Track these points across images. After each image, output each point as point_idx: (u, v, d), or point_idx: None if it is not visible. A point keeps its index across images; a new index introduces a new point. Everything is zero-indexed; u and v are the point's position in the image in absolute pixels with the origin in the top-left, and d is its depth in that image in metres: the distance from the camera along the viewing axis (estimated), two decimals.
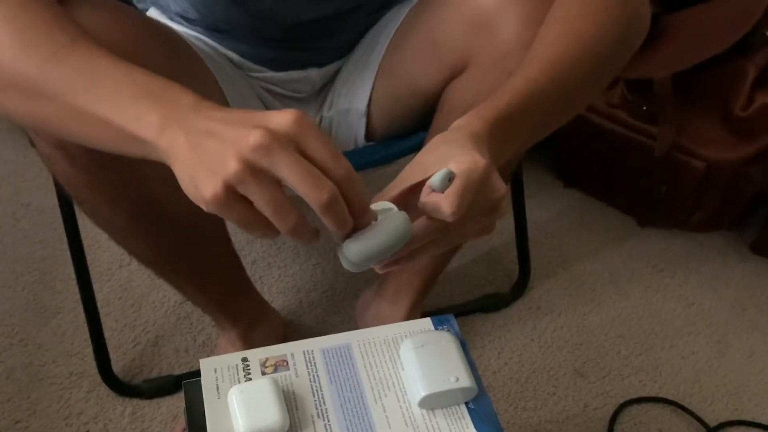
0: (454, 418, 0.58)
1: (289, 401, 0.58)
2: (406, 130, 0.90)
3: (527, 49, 0.70)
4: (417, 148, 0.87)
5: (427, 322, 0.65)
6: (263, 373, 0.60)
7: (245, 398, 0.56)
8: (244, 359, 0.61)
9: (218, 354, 0.98)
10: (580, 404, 1.03)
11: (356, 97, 0.89)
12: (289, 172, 0.46)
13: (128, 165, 0.64)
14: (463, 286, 1.19)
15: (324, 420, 0.57)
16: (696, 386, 1.07)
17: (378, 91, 0.87)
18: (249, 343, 0.94)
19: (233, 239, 0.89)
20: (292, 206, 0.47)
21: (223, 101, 0.82)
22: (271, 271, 1.19)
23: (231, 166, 0.46)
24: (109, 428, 0.95)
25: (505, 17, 0.72)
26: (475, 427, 0.58)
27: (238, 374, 0.60)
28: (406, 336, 0.63)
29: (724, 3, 1.26)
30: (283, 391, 0.58)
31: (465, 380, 0.58)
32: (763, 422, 1.03)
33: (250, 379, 0.59)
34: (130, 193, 0.72)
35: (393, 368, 0.61)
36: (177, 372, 1.02)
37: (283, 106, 0.90)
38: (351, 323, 1.10)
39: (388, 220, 0.52)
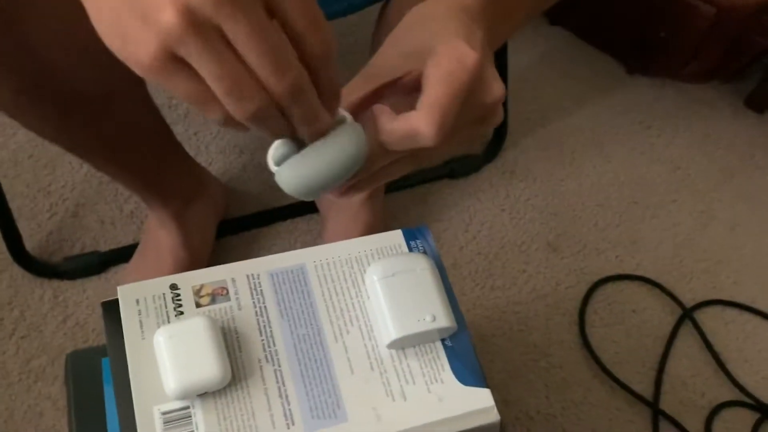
0: (428, 359, 0.51)
1: (231, 342, 0.49)
2: None
3: None
4: None
5: (398, 235, 0.56)
6: (198, 305, 0.51)
7: (175, 344, 0.47)
8: (173, 286, 0.51)
9: (147, 238, 0.89)
10: (552, 282, 0.99)
11: None
12: (244, 36, 0.34)
13: (11, 31, 0.50)
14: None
15: (273, 365, 0.49)
16: (675, 262, 1.04)
17: None
18: (184, 224, 0.84)
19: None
20: (255, 82, 0.35)
21: None
22: (208, 125, 1.05)
23: (166, 18, 0.33)
24: (26, 315, 0.87)
25: None
26: (452, 368, 0.51)
27: (166, 307, 0.50)
28: (373, 254, 0.54)
29: None
30: (223, 329, 0.49)
31: (443, 319, 0.50)
32: (740, 301, 1.01)
33: (182, 313, 0.50)
34: (14, 64, 0.57)
35: (357, 296, 0.53)
36: (103, 248, 0.93)
37: None
38: None
39: (338, 135, 0.41)
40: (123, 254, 0.91)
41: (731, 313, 1.01)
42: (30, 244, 0.90)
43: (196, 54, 0.34)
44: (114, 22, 0.35)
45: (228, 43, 0.34)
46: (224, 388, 0.47)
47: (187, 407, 0.47)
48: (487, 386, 0.51)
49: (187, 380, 0.46)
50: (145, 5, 0.33)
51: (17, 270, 0.89)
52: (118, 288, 0.51)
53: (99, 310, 0.88)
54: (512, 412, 0.89)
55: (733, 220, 1.10)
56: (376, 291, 0.51)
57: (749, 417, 0.92)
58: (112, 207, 0.97)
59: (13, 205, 0.88)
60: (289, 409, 0.48)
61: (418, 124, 0.39)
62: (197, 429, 0.46)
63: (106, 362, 0.56)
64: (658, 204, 1.10)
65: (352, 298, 0.53)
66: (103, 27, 0.35)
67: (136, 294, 0.51)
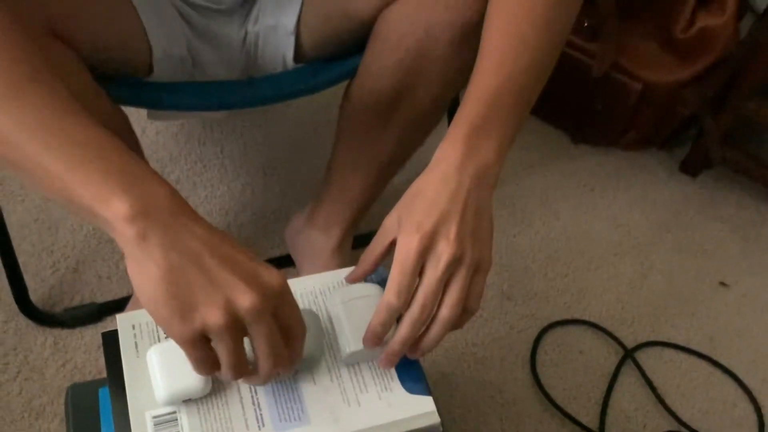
0: (380, 372, 0.58)
1: None
2: (339, 52, 0.85)
3: None
4: (348, 75, 0.84)
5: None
6: None
7: (164, 359, 0.54)
8: None
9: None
10: (506, 326, 1.07)
11: (284, 13, 0.83)
12: (263, 340, 0.48)
13: None
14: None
15: None
16: (618, 308, 1.12)
17: (308, 9, 0.82)
18: None
19: (157, 155, 0.84)
20: (245, 358, 0.50)
21: (134, 17, 0.76)
22: (197, 191, 1.15)
23: (216, 317, 0.46)
24: (29, 360, 0.93)
25: None
26: (400, 379, 0.58)
27: (157, 331, 0.58)
28: (333, 287, 0.62)
29: None
30: None
31: (391, 337, 0.58)
32: (677, 342, 1.09)
33: None
34: None
35: (320, 321, 0.60)
36: (100, 300, 1.00)
37: (202, 17, 0.83)
38: (282, 247, 1.08)
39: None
40: (118, 305, 0.98)
41: (669, 352, 1.08)
42: (34, 296, 0.97)
43: (222, 342, 0.47)
44: (155, 296, 0.45)
45: (244, 333, 0.47)
46: (206, 396, 0.54)
47: (174, 412, 0.54)
48: (430, 394, 0.58)
49: (174, 388, 0.53)
50: (194, 300, 0.45)
51: (22, 319, 0.96)
52: (117, 316, 0.59)
53: (95, 355, 0.95)
54: None
55: (670, 271, 1.19)
56: (339, 313, 0.59)
57: None
58: (108, 264, 1.04)
59: (20, 261, 0.95)
60: (261, 414, 0.55)
61: (386, 297, 0.54)
62: (182, 430, 0.53)
63: (103, 392, 0.63)
64: (601, 256, 1.19)
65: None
66: (144, 296, 0.46)
67: (132, 321, 0.58)
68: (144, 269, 0.46)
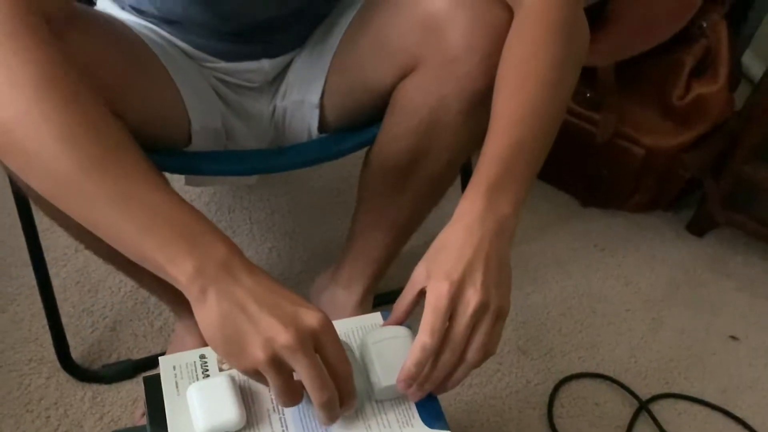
0: (402, 408, 0.62)
1: (246, 397, 0.61)
2: (360, 122, 0.92)
3: (475, 53, 0.73)
4: (368, 142, 0.90)
5: (377, 316, 0.69)
6: (221, 369, 0.63)
7: (203, 396, 0.59)
8: (202, 356, 0.64)
9: (175, 341, 1.01)
10: (523, 380, 1.09)
11: (309, 89, 0.90)
12: (305, 372, 0.54)
13: None
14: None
15: (279, 414, 0.60)
16: (631, 362, 1.14)
17: (331, 85, 0.89)
18: None
19: None
20: (297, 388, 0.56)
21: (176, 95, 0.83)
22: None
23: (258, 355, 0.53)
24: (69, 414, 0.97)
25: (454, 22, 0.74)
26: (420, 415, 0.62)
27: (196, 371, 0.62)
28: (359, 330, 0.67)
29: None
30: (240, 387, 0.61)
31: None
32: (690, 394, 1.10)
33: (208, 376, 0.62)
34: None
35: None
36: (135, 357, 1.04)
37: (236, 95, 0.91)
38: None
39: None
40: (153, 362, 1.03)
41: (683, 404, 1.10)
42: (75, 353, 1.02)
43: (268, 375, 0.54)
44: (214, 338, 0.54)
45: (289, 368, 0.54)
46: (241, 429, 0.58)
47: None
48: (448, 429, 0.62)
49: (212, 422, 0.57)
50: (241, 342, 0.53)
51: (63, 375, 1.00)
52: (160, 358, 0.63)
53: (131, 409, 0.98)
54: None
55: (681, 326, 1.21)
56: (369, 351, 0.63)
57: None
58: (144, 323, 1.09)
59: (62, 321, 1.01)
60: None
61: (420, 338, 0.58)
62: None
63: None
64: (613, 312, 1.22)
65: None
66: (207, 335, 0.55)
67: (173, 362, 0.63)
68: (205, 317, 0.54)
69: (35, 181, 0.56)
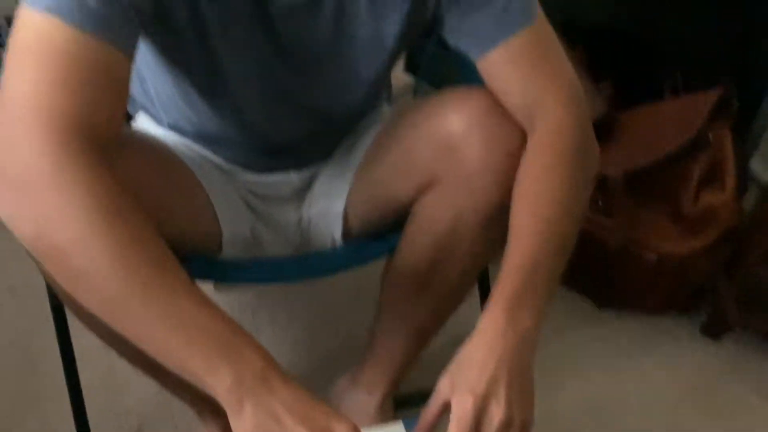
0: None
1: None
2: (380, 230, 0.96)
3: (490, 171, 0.78)
4: (388, 251, 0.94)
5: (400, 427, 0.71)
6: None
7: None
8: None
9: None
10: None
11: (334, 200, 0.95)
12: None
13: None
14: (435, 369, 1.24)
15: None
16: None
17: (354, 196, 0.94)
18: None
19: None
20: None
21: (210, 208, 0.88)
22: None
23: None
24: None
25: (470, 141, 0.79)
26: None
27: None
28: None
29: (672, 103, 1.37)
30: None
31: None
32: None
33: None
34: None
35: None
36: None
37: (266, 206, 0.95)
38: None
39: None
40: None
41: None
42: None
43: None
44: None
45: None
46: None
47: None
48: None
49: None
50: None
51: None
52: None
53: None
54: None
55: (696, 429, 1.20)
56: None
57: None
58: (168, 425, 1.10)
59: (90, 424, 1.03)
60: None
61: None
62: None
63: None
64: (632, 414, 1.21)
65: None
66: None
67: None
68: (241, 427, 0.57)
69: (83, 298, 0.60)
